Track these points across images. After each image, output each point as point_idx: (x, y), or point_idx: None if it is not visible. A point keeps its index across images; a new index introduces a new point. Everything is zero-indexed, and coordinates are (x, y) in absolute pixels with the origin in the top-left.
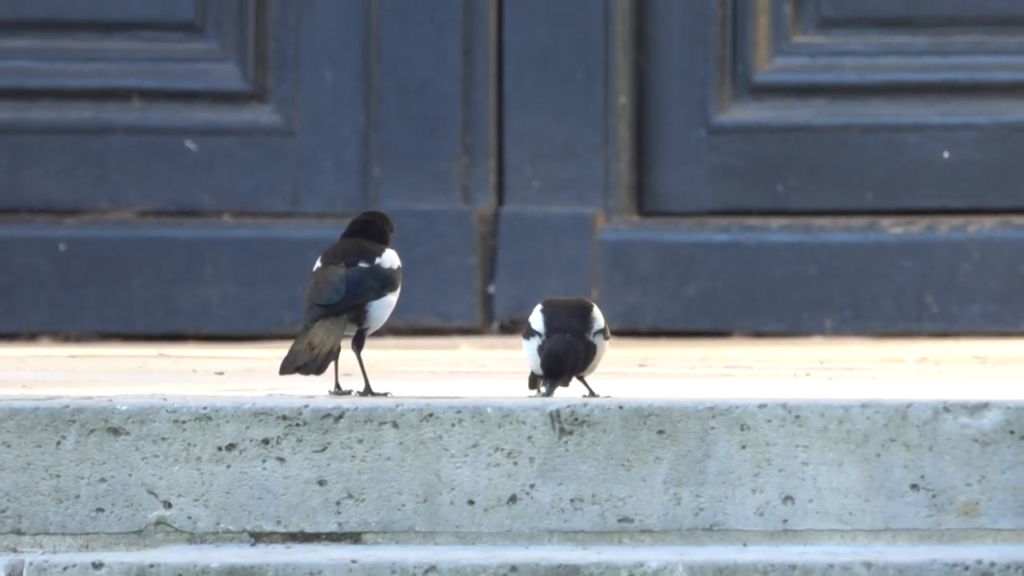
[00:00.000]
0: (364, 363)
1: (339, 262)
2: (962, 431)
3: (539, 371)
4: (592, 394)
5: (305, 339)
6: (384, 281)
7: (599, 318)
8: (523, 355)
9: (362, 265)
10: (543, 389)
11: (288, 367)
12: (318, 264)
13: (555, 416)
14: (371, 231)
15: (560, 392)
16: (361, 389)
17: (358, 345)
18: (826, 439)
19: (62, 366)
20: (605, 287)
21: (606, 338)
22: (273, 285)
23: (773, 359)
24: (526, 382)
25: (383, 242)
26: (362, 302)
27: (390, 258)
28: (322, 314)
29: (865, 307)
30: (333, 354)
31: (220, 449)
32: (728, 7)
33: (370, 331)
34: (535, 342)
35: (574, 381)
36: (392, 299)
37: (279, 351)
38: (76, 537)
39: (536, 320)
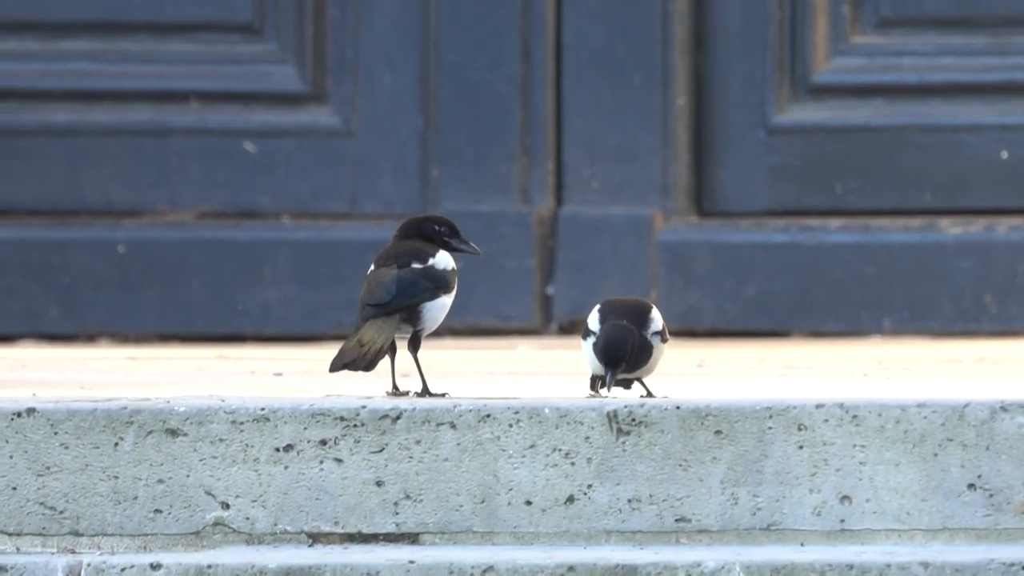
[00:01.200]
0: (421, 364)
1: (392, 264)
2: (1019, 430)
3: (598, 369)
4: (650, 395)
5: (355, 338)
6: (438, 282)
7: (658, 319)
8: (582, 356)
9: (415, 266)
10: (602, 391)
11: (337, 364)
12: (372, 267)
13: (612, 417)
14: (422, 232)
15: (619, 392)
16: (419, 390)
17: (414, 347)
18: (883, 439)
19: (120, 367)
20: (664, 288)
21: (664, 340)
22: (332, 286)
23: (831, 359)
24: (584, 383)
25: (433, 242)
26: (415, 303)
27: (444, 260)
28: (373, 314)
29: (923, 307)
30: (383, 352)
31: (278, 450)
32: (786, 8)
33: (425, 332)
34: (592, 340)
35: (635, 385)
36: (446, 301)
37: (336, 352)
38: (134, 538)
39: (593, 320)
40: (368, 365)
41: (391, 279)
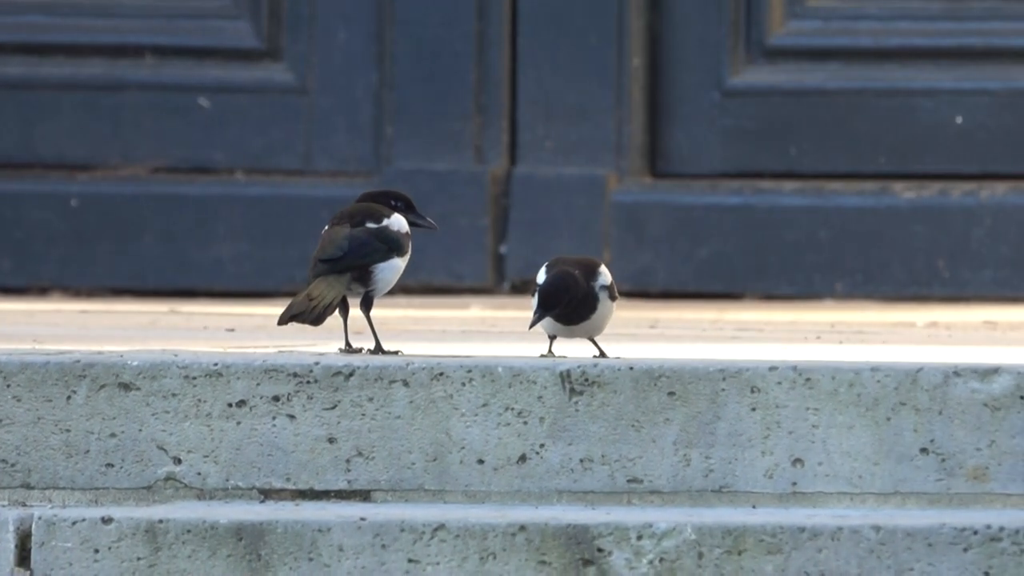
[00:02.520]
0: (374, 322)
1: (346, 223)
2: (972, 396)
3: (548, 327)
4: (602, 355)
5: (305, 292)
6: (391, 244)
7: (606, 274)
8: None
9: (369, 226)
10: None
11: (285, 317)
12: (327, 226)
13: (565, 376)
14: (382, 200)
15: (569, 351)
16: (372, 347)
17: (366, 306)
18: (836, 402)
19: (73, 321)
20: (617, 249)
21: (612, 298)
22: (285, 243)
23: (784, 322)
24: (536, 343)
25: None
26: (367, 263)
27: (398, 222)
28: (324, 270)
29: (876, 271)
30: (332, 307)
31: (230, 406)
32: None
33: (377, 294)
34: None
35: (585, 343)
36: (399, 263)
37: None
38: (85, 492)
39: (541, 276)
40: (316, 319)
41: (344, 237)
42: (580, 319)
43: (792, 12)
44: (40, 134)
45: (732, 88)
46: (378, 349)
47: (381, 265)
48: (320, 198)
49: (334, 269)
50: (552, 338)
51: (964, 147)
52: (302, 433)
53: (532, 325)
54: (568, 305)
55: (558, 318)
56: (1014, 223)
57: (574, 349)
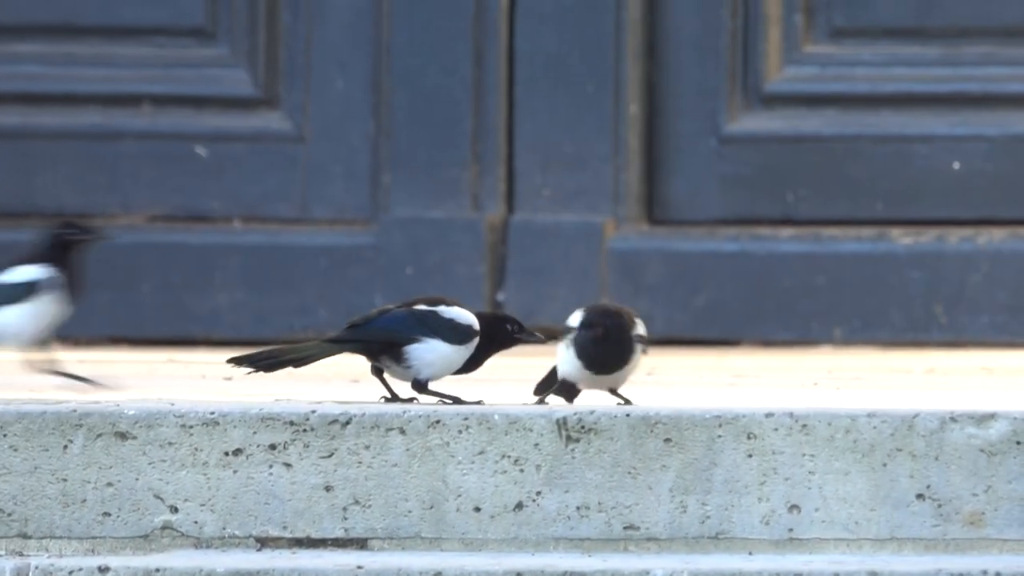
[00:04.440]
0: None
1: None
2: (968, 441)
3: (570, 372)
4: (627, 402)
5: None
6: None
7: (641, 326)
8: (555, 359)
9: (419, 308)
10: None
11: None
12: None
13: (562, 423)
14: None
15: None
16: (389, 396)
17: (418, 389)
18: (832, 448)
19: (71, 370)
20: (614, 296)
21: (644, 350)
22: (282, 291)
23: (781, 368)
24: (532, 389)
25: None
26: (392, 340)
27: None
28: (340, 335)
29: (874, 317)
30: (297, 362)
31: (227, 454)
32: (739, 17)
33: (423, 376)
34: (570, 336)
35: (607, 394)
36: (444, 349)
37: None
38: (82, 541)
39: (575, 317)
40: (270, 366)
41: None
42: (612, 368)
43: (789, 58)
44: (38, 184)
45: (729, 135)
46: (394, 397)
47: (417, 347)
48: (317, 246)
49: (350, 336)
50: (556, 386)
51: (961, 193)
52: (298, 481)
53: (568, 341)
54: (607, 339)
55: (589, 365)
56: (1011, 269)
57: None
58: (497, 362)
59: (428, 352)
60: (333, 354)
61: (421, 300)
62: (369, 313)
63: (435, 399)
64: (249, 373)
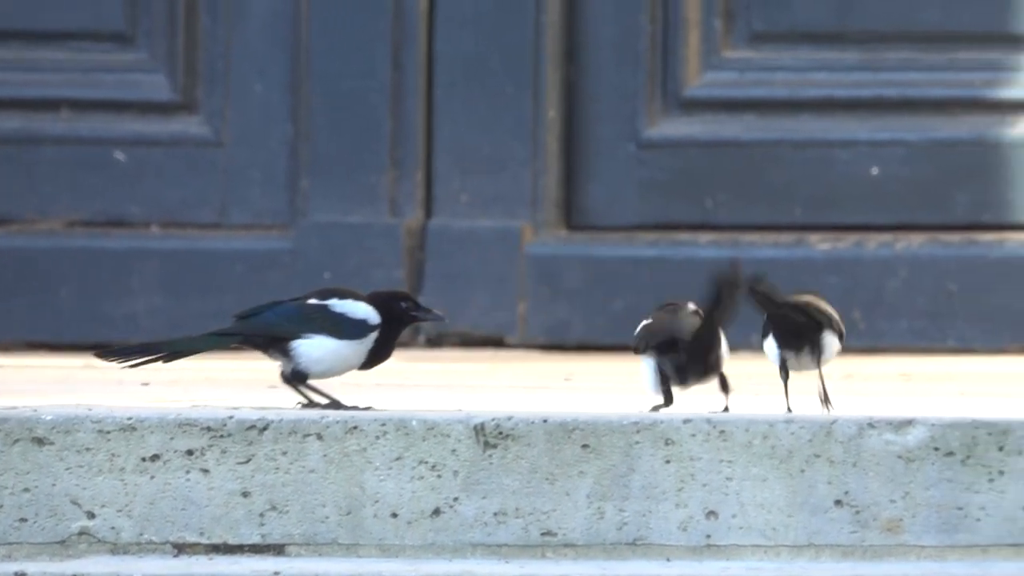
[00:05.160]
0: (313, 388)
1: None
2: (886, 447)
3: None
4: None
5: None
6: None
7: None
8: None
9: (312, 301)
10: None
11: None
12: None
13: (479, 429)
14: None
15: (484, 404)
16: (306, 401)
17: (297, 379)
18: (750, 454)
19: None
20: (532, 301)
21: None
22: (200, 296)
23: None
24: (451, 395)
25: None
26: (277, 335)
27: (352, 307)
28: (229, 327)
29: None
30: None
31: (144, 460)
32: (659, 22)
33: (308, 371)
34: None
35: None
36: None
37: (205, 362)
38: None
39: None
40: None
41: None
42: (710, 371)
43: (708, 63)
44: None
45: (648, 140)
46: (335, 404)
47: (303, 343)
48: (235, 251)
49: (235, 329)
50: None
51: (880, 198)
52: (216, 487)
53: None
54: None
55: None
56: (930, 274)
57: (488, 402)
58: (412, 368)
59: (315, 348)
60: (218, 347)
61: (315, 293)
62: (259, 305)
63: (303, 398)
64: (123, 367)
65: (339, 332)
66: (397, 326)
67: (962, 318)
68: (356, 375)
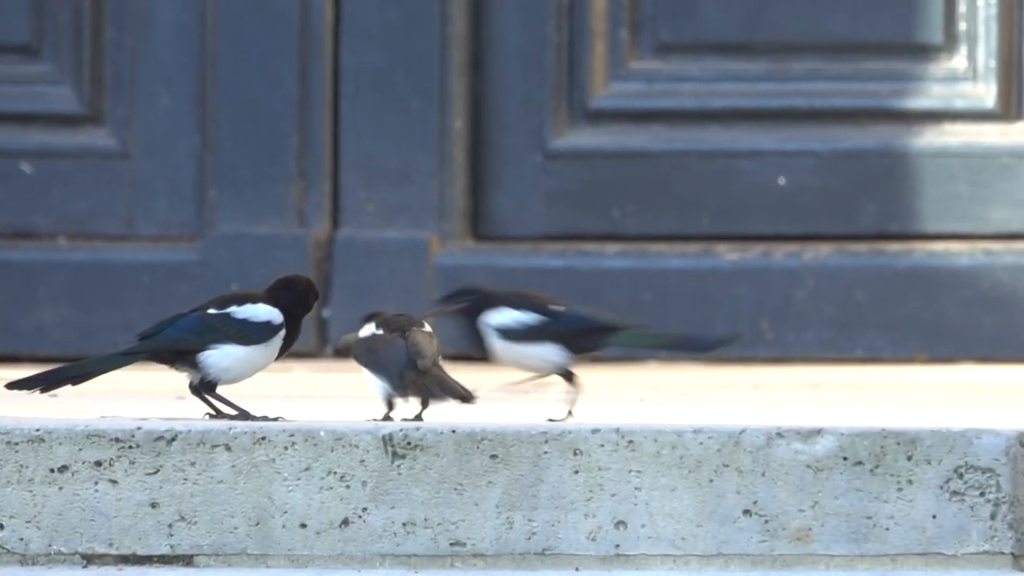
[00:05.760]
0: (221, 398)
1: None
2: (795, 457)
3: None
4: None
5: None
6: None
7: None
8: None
9: (211, 311)
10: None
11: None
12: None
13: (388, 440)
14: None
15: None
16: (213, 412)
17: (207, 389)
18: (659, 464)
19: None
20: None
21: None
22: (107, 308)
23: (607, 384)
24: (360, 406)
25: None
26: (184, 348)
27: (257, 311)
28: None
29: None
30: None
31: (53, 471)
32: (564, 32)
33: (220, 380)
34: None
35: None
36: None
37: (113, 375)
38: None
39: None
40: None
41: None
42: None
43: (614, 74)
44: None
45: (555, 151)
46: (219, 414)
47: (210, 353)
48: (143, 263)
49: (141, 347)
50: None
51: (787, 208)
52: (124, 498)
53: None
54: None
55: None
56: (837, 284)
57: (399, 412)
58: (320, 379)
59: (223, 358)
60: (125, 365)
61: (215, 301)
62: (162, 320)
63: (211, 409)
64: (32, 395)
65: (245, 339)
66: (299, 317)
67: (870, 328)
68: (265, 385)
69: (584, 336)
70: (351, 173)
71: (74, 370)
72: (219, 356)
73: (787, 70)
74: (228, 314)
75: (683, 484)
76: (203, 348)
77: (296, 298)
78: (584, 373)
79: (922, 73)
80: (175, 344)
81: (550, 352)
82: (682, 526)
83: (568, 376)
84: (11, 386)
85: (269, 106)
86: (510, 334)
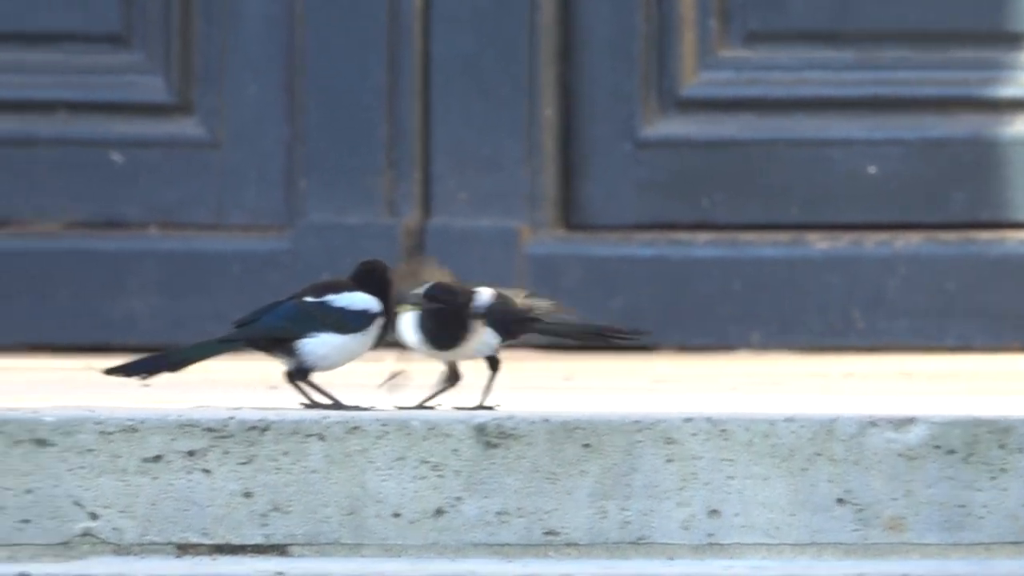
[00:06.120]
0: (316, 387)
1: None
2: (888, 446)
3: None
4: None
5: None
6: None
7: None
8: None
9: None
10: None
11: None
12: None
13: (481, 429)
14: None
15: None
16: (308, 402)
17: (301, 376)
18: (752, 453)
19: None
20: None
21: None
22: (197, 297)
23: (699, 373)
24: (452, 395)
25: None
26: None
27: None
28: (228, 333)
29: (791, 322)
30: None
31: (146, 461)
32: (654, 21)
33: (314, 368)
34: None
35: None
36: (336, 340)
37: (205, 363)
38: (2, 548)
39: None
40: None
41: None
42: (449, 345)
43: (704, 63)
44: None
45: (645, 139)
46: (337, 405)
47: (307, 342)
48: (233, 252)
49: (238, 335)
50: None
51: (878, 197)
52: (218, 488)
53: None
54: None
55: (430, 340)
56: (929, 272)
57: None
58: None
59: (320, 346)
60: (224, 352)
61: (310, 289)
62: (258, 308)
63: (305, 399)
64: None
65: (342, 327)
66: (391, 303)
67: (962, 316)
68: (358, 374)
69: (512, 322)
70: (441, 161)
71: (172, 356)
72: (316, 344)
73: (876, 58)
74: (325, 302)
75: (776, 473)
76: (300, 336)
77: (386, 289)
78: (677, 362)
79: (1012, 61)
80: (272, 332)
81: (486, 335)
82: (775, 515)
83: (494, 363)
84: (110, 372)
85: (358, 95)
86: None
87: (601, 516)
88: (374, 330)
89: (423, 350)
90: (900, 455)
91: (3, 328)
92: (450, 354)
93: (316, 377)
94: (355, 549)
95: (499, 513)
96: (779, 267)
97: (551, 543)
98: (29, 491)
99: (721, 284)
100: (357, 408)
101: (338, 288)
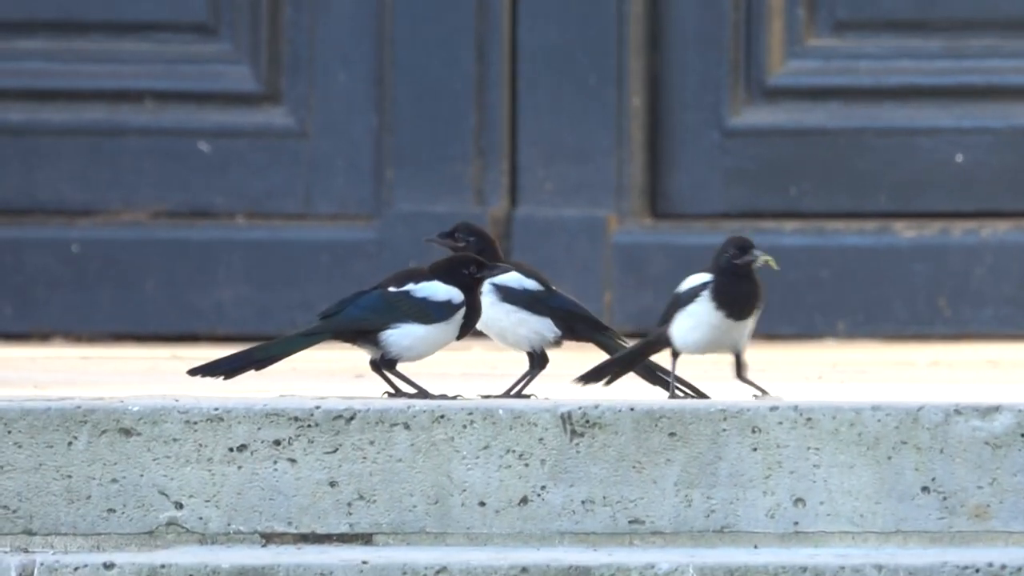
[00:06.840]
0: (403, 377)
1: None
2: (973, 434)
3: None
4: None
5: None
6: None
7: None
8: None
9: (391, 289)
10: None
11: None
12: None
13: (566, 418)
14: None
15: (569, 391)
16: (392, 391)
17: (388, 366)
18: (837, 441)
19: (74, 367)
20: (618, 289)
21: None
22: (285, 286)
23: (786, 362)
24: (538, 384)
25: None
26: (366, 328)
27: (434, 289)
28: (314, 326)
29: (878, 310)
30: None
31: (231, 450)
32: (742, 10)
33: (400, 358)
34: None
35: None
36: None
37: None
38: (87, 538)
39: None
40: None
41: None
42: (750, 310)
43: (792, 52)
44: (41, 180)
45: (732, 128)
46: (422, 394)
47: (391, 333)
48: (321, 241)
49: (322, 328)
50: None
51: (965, 185)
52: (303, 477)
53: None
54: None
55: (731, 310)
56: (1016, 261)
57: (574, 389)
58: (499, 357)
59: (404, 337)
60: (308, 346)
61: (393, 278)
62: (341, 301)
63: (390, 388)
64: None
65: (426, 318)
66: (474, 294)
67: None
68: (444, 364)
69: (576, 321)
70: (529, 151)
71: (257, 354)
72: (400, 335)
73: (963, 47)
74: (408, 292)
75: (861, 461)
76: (384, 327)
77: (468, 279)
78: (763, 351)
79: None
80: (356, 324)
81: (545, 326)
82: (860, 503)
83: (542, 359)
84: (193, 372)
85: (447, 85)
86: (511, 296)
87: (686, 505)
88: (457, 320)
89: (712, 333)
90: (986, 443)
91: (90, 317)
92: (740, 328)
93: (403, 367)
94: (440, 538)
95: (584, 502)
96: (866, 256)
97: (636, 531)
98: (114, 480)
99: (808, 273)
100: (443, 397)
101: (419, 277)
